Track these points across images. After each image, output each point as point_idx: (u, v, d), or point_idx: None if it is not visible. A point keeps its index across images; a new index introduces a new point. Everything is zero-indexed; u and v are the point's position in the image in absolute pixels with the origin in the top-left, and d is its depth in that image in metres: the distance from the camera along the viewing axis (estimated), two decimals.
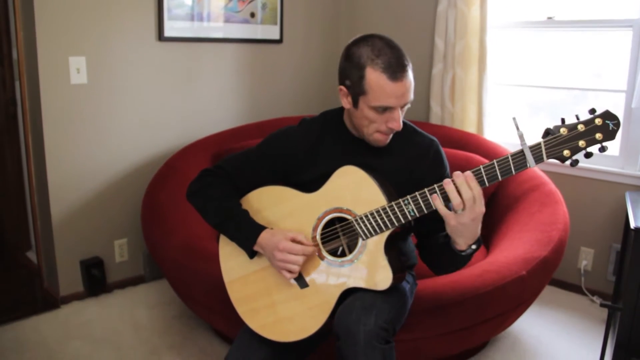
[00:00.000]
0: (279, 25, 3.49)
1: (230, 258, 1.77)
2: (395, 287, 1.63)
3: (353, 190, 1.60)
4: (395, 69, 1.52)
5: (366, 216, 1.57)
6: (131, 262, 3.13)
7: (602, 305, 2.10)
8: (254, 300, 1.72)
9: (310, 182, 1.69)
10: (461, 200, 1.42)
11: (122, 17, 2.82)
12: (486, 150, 2.95)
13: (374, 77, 1.53)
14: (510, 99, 3.35)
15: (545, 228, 2.39)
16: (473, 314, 2.08)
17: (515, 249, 2.30)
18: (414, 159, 1.71)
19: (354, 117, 1.65)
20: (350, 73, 1.58)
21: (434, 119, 3.39)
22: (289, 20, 3.55)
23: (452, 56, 3.22)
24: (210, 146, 3.05)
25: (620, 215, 2.88)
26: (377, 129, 1.62)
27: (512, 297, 2.15)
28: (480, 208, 1.44)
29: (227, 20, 3.22)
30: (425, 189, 1.49)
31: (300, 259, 1.60)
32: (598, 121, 1.36)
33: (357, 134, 1.71)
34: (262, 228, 1.66)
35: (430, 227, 1.69)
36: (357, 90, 1.58)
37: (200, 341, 2.53)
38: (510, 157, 1.41)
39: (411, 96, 1.58)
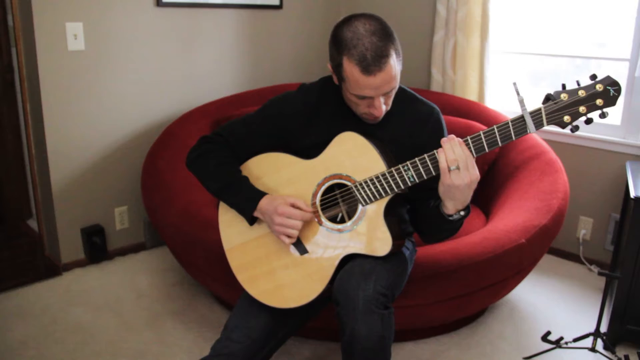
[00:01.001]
0: None
1: (230, 225, 1.78)
2: (394, 254, 1.64)
3: (352, 156, 1.59)
4: (370, 63, 1.47)
5: (366, 182, 1.56)
6: (132, 229, 3.14)
7: (600, 273, 2.12)
8: (254, 267, 1.73)
9: (309, 148, 1.68)
10: (455, 157, 1.43)
11: None
12: (487, 118, 2.93)
13: (349, 68, 1.50)
14: (511, 67, 3.31)
15: (545, 197, 2.39)
16: (471, 281, 2.09)
17: (515, 217, 2.31)
18: (413, 126, 1.70)
19: (344, 95, 1.64)
20: (333, 56, 1.56)
21: (435, 87, 3.36)
22: None
23: (454, 23, 3.18)
24: (210, 113, 3.04)
25: (620, 185, 2.88)
26: (363, 112, 1.61)
27: (510, 265, 2.16)
28: (475, 172, 1.44)
29: None
30: (425, 155, 1.49)
31: (298, 223, 1.61)
32: (599, 87, 1.36)
33: None
34: (262, 194, 1.66)
35: (420, 194, 1.69)
36: (338, 75, 1.57)
37: (201, 307, 2.55)
38: (510, 123, 1.41)
39: (394, 84, 1.54)
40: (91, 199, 2.93)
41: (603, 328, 2.30)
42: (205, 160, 1.75)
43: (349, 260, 1.62)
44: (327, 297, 1.68)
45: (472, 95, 3.20)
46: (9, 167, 3.41)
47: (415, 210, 1.76)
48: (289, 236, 1.62)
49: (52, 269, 2.90)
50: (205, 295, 2.65)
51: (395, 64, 1.51)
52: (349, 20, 1.54)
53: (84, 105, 2.80)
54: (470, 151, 1.45)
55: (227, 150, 1.75)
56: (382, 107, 1.58)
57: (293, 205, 1.62)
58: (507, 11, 3.22)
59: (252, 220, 1.70)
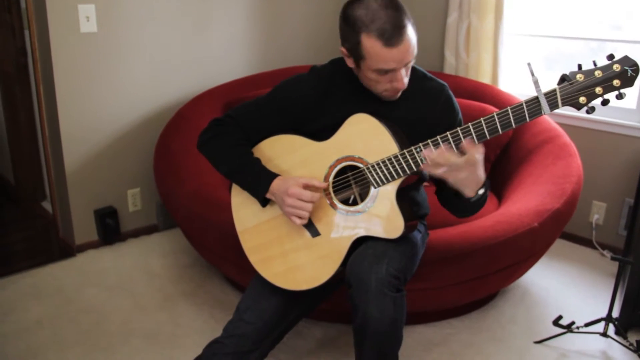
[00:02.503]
0: None
1: (243, 207, 1.78)
2: (406, 236, 1.65)
3: (365, 138, 1.59)
4: (391, 35, 1.46)
5: (378, 164, 1.56)
6: (144, 211, 3.16)
7: (612, 258, 2.11)
8: (266, 249, 1.74)
9: (320, 130, 1.68)
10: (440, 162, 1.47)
11: None
12: (501, 101, 2.91)
13: (370, 44, 1.49)
14: (525, 50, 3.27)
15: (559, 180, 2.37)
16: (484, 264, 2.09)
17: (528, 200, 2.29)
18: (425, 105, 1.69)
19: (360, 77, 1.63)
20: (348, 37, 1.54)
21: (448, 69, 3.33)
22: None
23: (468, 4, 3.14)
24: (222, 95, 3.03)
25: (634, 169, 2.85)
26: (384, 88, 1.59)
27: (523, 249, 2.15)
28: (471, 157, 1.45)
29: None
30: (438, 137, 1.49)
31: (309, 205, 1.61)
32: (616, 67, 1.34)
33: None
34: (274, 175, 1.66)
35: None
36: (356, 55, 1.55)
37: (213, 289, 2.57)
38: (524, 104, 1.40)
39: (413, 54, 1.53)
40: (104, 181, 2.95)
41: (615, 313, 2.29)
42: (217, 142, 1.74)
43: (361, 242, 1.62)
44: (339, 279, 1.69)
45: (485, 78, 3.17)
46: (22, 149, 3.44)
47: (442, 194, 1.74)
48: (299, 217, 1.62)
49: (66, 250, 2.93)
50: (217, 276, 2.67)
51: (412, 33, 1.51)
52: (345, 9, 1.54)
53: (96, 88, 2.80)
54: (484, 132, 1.45)
55: (239, 132, 1.74)
56: (405, 78, 1.57)
57: (306, 186, 1.62)
58: None
59: (264, 202, 1.70)
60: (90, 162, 2.87)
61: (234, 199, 1.81)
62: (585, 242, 3.09)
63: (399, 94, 1.63)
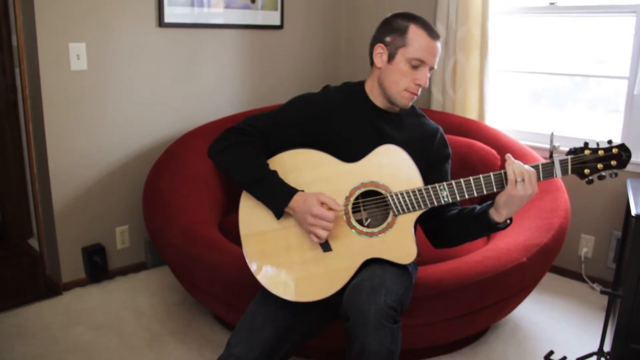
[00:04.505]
0: (280, 11, 3.47)
1: (252, 212, 1.77)
2: (403, 267, 1.73)
3: (393, 168, 1.71)
4: (432, 30, 1.74)
5: (402, 193, 1.67)
6: (132, 248, 3.13)
7: (602, 292, 2.11)
8: (271, 257, 1.73)
9: (330, 145, 1.76)
10: (522, 170, 1.60)
11: (122, 2, 2.81)
12: (487, 136, 2.94)
13: (417, 32, 1.72)
14: (511, 85, 3.33)
15: (546, 215, 2.39)
16: (473, 300, 2.08)
17: (516, 235, 2.30)
18: (424, 136, 1.86)
19: (386, 76, 1.78)
20: (391, 31, 1.75)
21: (435, 105, 3.38)
22: (289, 6, 3.52)
23: (454, 42, 3.20)
24: (211, 133, 3.04)
25: (621, 202, 2.88)
26: (406, 87, 1.75)
27: (512, 284, 2.16)
28: (536, 186, 1.61)
29: (227, 5, 3.20)
30: (461, 179, 1.65)
31: (330, 225, 1.65)
32: (615, 150, 1.61)
33: (380, 102, 1.83)
34: (294, 190, 1.69)
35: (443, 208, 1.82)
36: (398, 44, 1.74)
37: (202, 327, 2.54)
38: (540, 165, 1.63)
39: (437, 59, 1.77)
40: (92, 218, 2.94)
41: (606, 347, 2.28)
42: (234, 151, 1.76)
43: (368, 263, 1.68)
44: (331, 314, 1.69)
45: (472, 114, 3.22)
46: (10, 186, 3.42)
47: (451, 220, 1.81)
48: (319, 236, 1.65)
49: (52, 288, 2.90)
50: (206, 315, 2.64)
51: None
52: (398, 14, 1.78)
53: (85, 125, 2.81)
54: (491, 185, 1.66)
55: (257, 142, 1.78)
56: (427, 79, 1.75)
57: (323, 203, 1.65)
58: (506, 30, 3.25)
59: (280, 215, 1.72)
60: (78, 199, 2.86)
61: (243, 203, 1.79)
62: (575, 275, 3.09)
63: (413, 100, 1.80)
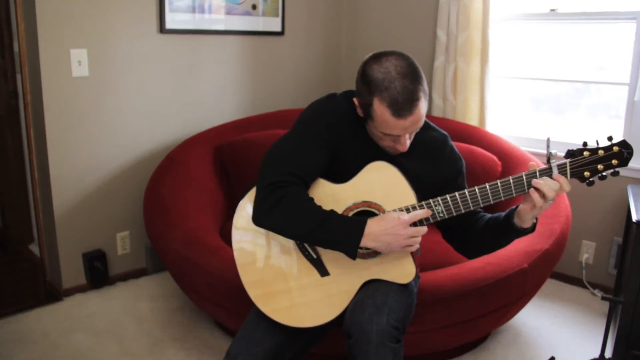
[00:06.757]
0: (281, 17, 3.48)
1: (244, 241, 1.75)
2: (405, 284, 1.68)
3: (384, 186, 1.63)
4: (402, 106, 1.50)
5: (395, 212, 1.59)
6: (133, 254, 3.13)
7: (603, 298, 2.11)
8: (269, 284, 1.71)
9: (330, 165, 1.68)
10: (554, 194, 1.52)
11: (123, 9, 2.82)
12: (488, 142, 2.95)
13: (380, 110, 1.53)
14: (512, 91, 3.34)
15: (547, 221, 2.39)
16: (474, 306, 2.08)
17: (517, 241, 2.27)
18: (432, 155, 1.75)
19: (367, 127, 1.66)
20: (362, 94, 1.58)
21: (436, 112, 3.38)
22: (290, 12, 3.53)
23: (454, 48, 3.21)
24: (212, 139, 3.05)
25: (622, 208, 2.88)
26: (387, 145, 1.64)
27: (513, 290, 2.15)
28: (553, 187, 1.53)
29: (228, 12, 3.21)
30: (456, 193, 1.57)
31: (424, 229, 1.60)
32: (615, 148, 1.54)
33: None
34: (363, 221, 1.58)
35: (462, 219, 1.74)
36: (366, 113, 1.59)
37: (203, 333, 2.54)
38: (537, 172, 1.54)
39: (420, 123, 1.58)
40: (93, 224, 2.94)
41: (608, 353, 2.28)
42: (283, 208, 1.60)
43: (367, 284, 1.65)
44: (332, 323, 1.68)
45: (472, 120, 3.22)
46: (11, 192, 3.42)
47: (474, 229, 1.75)
48: (412, 245, 1.60)
49: (53, 294, 2.89)
50: (207, 321, 2.64)
51: (423, 105, 1.54)
52: (378, 58, 1.55)
53: (87, 131, 2.82)
54: (488, 197, 1.58)
55: (299, 188, 1.63)
56: (407, 142, 1.61)
57: (408, 223, 1.57)
58: (507, 36, 3.26)
59: (354, 250, 1.59)
60: (79, 205, 2.86)
61: (236, 232, 1.76)
62: (576, 281, 3.09)
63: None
